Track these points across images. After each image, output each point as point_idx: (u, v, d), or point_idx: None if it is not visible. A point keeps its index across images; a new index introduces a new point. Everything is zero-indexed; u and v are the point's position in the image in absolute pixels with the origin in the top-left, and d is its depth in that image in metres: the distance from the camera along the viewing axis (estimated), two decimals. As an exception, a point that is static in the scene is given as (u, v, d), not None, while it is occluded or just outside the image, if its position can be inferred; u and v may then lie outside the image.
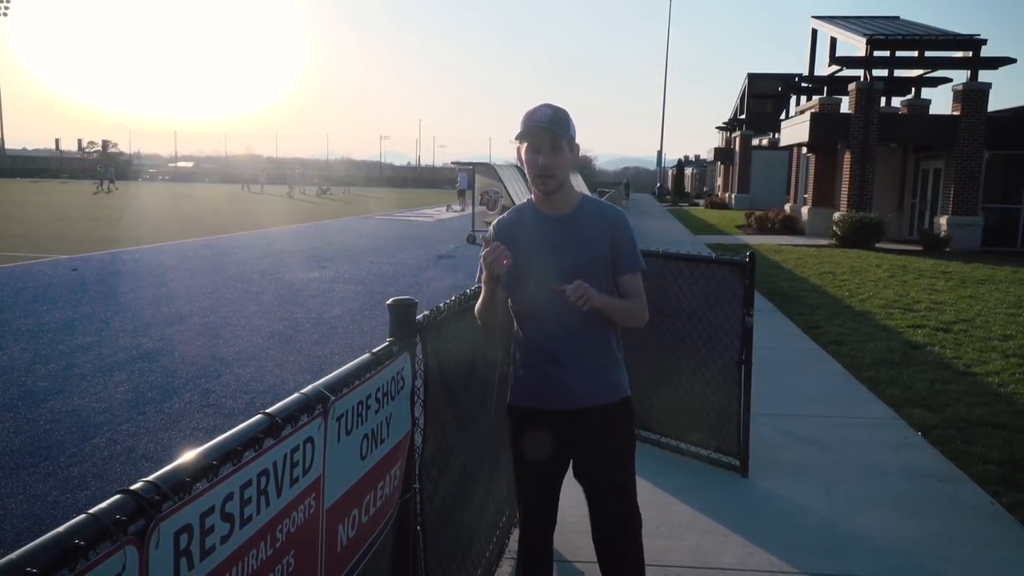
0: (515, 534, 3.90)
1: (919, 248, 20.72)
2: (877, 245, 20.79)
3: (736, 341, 4.72)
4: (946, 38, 23.11)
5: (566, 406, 2.71)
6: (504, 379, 3.85)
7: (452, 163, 41.00)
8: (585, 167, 65.18)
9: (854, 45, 24.19)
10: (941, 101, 76.57)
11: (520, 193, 23.48)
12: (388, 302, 2.35)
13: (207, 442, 1.33)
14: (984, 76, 21.87)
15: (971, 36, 22.22)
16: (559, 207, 2.74)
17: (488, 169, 23.83)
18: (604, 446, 2.78)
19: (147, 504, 1.11)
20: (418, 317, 2.42)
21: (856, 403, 6.38)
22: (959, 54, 22.68)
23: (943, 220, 21.63)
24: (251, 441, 1.42)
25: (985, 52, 22.02)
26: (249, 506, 1.41)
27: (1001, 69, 22.20)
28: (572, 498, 4.37)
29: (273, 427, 1.50)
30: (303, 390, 1.70)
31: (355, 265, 15.63)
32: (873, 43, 22.97)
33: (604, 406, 2.74)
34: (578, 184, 43.40)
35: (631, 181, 78.95)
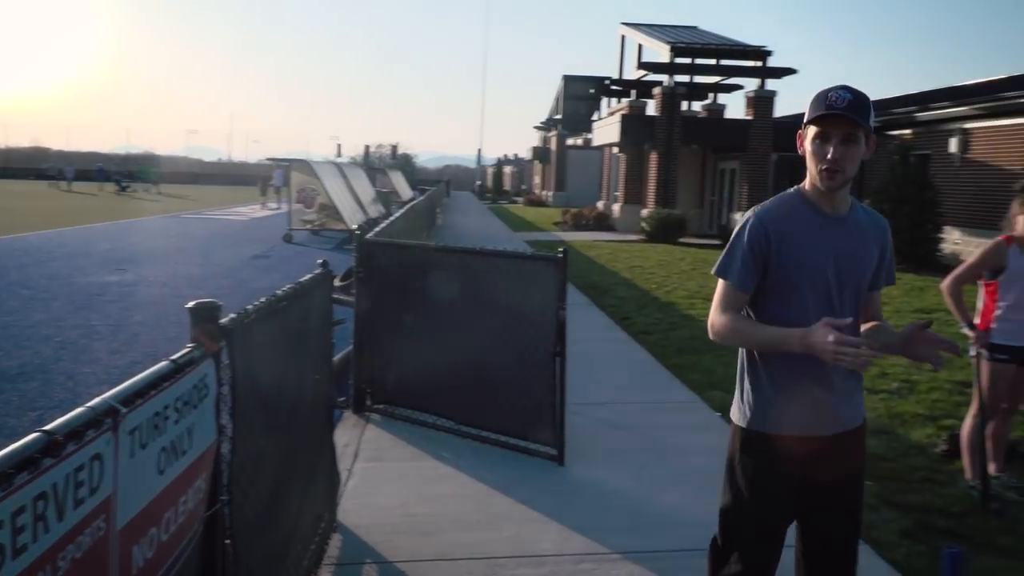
0: (335, 539, 3.84)
1: (719, 242, 22.32)
2: (681, 240, 22.19)
3: (551, 334, 4.88)
4: (738, 48, 25.05)
5: (829, 431, 2.40)
6: (328, 378, 3.77)
7: (268, 159, 39.48)
8: (406, 165, 64.86)
9: (658, 52, 25.65)
10: (737, 106, 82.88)
11: (339, 191, 23.01)
12: (188, 305, 2.23)
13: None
14: (771, 84, 23.92)
15: (759, 48, 24.21)
16: (839, 206, 2.38)
17: (305, 166, 23.16)
18: (854, 470, 2.51)
19: None
20: (223, 321, 2.31)
21: (663, 388, 6.78)
22: (750, 63, 24.65)
23: (737, 216, 23.43)
24: (24, 463, 1.30)
25: (772, 62, 24.09)
26: (23, 534, 1.29)
27: (787, 78, 24.37)
28: (394, 498, 4.36)
29: (52, 445, 1.38)
30: (89, 403, 1.58)
31: (161, 267, 14.70)
32: (675, 50, 24.48)
33: (858, 428, 2.49)
34: (398, 182, 43.08)
35: (452, 179, 79.51)
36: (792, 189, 2.45)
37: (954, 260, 16.75)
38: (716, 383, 6.84)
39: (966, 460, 4.69)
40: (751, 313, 2.44)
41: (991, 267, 4.55)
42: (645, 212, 23.53)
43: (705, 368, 7.34)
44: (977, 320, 4.62)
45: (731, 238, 2.42)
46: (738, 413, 2.47)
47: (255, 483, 2.59)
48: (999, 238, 4.60)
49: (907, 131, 20.22)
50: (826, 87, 2.30)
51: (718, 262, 2.43)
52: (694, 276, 14.38)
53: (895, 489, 4.66)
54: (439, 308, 5.45)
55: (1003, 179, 16.20)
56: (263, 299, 2.73)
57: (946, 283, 4.61)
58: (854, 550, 2.51)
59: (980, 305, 4.66)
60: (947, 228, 17.42)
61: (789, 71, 24.05)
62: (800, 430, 2.37)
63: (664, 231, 21.94)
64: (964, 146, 18.16)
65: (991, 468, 4.60)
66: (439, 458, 4.99)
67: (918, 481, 4.78)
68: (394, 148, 61.51)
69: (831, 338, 2.10)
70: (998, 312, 4.53)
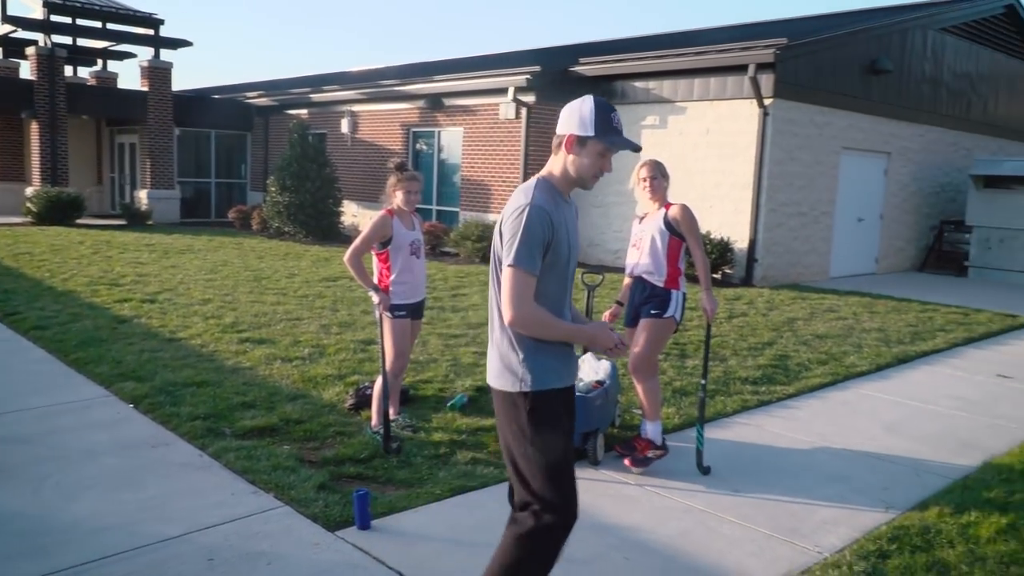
0: None
1: (123, 222, 20.81)
2: (79, 221, 20.06)
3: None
4: (127, 13, 23.33)
5: (575, 379, 2.95)
6: None
7: None
8: None
9: (30, 6, 22.47)
10: (133, 76, 77.90)
11: None
12: None
13: None
14: (167, 55, 22.95)
15: (150, 15, 22.96)
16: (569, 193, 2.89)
17: None
18: None
19: None
20: None
21: (65, 388, 6.07)
22: (141, 31, 23.22)
23: (143, 194, 22.11)
24: None
25: (166, 32, 23.08)
26: None
27: (184, 50, 23.62)
28: None
29: None
30: None
31: None
32: (51, 7, 21.70)
33: None
34: None
35: None
36: (541, 179, 2.78)
37: (353, 232, 18.53)
38: (128, 373, 6.38)
39: (375, 409, 5.22)
40: None
41: (380, 238, 5.12)
42: (30, 191, 20.58)
43: (114, 359, 6.79)
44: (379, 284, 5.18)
45: (520, 230, 2.62)
46: (519, 380, 2.72)
47: None
48: (383, 211, 5.18)
49: (304, 111, 21.48)
50: (605, 103, 2.72)
51: (516, 254, 2.61)
52: (96, 260, 13.16)
53: (311, 448, 4.96)
54: None
55: (385, 157, 18.38)
56: None
57: (347, 256, 5.06)
58: None
59: (376, 272, 5.22)
60: (345, 202, 19.10)
61: (185, 43, 23.38)
62: (568, 381, 2.84)
63: (56, 212, 19.54)
64: (354, 127, 20.04)
65: (391, 412, 5.21)
66: None
67: (331, 436, 5.17)
68: None
69: (615, 337, 2.72)
70: (392, 277, 5.14)
